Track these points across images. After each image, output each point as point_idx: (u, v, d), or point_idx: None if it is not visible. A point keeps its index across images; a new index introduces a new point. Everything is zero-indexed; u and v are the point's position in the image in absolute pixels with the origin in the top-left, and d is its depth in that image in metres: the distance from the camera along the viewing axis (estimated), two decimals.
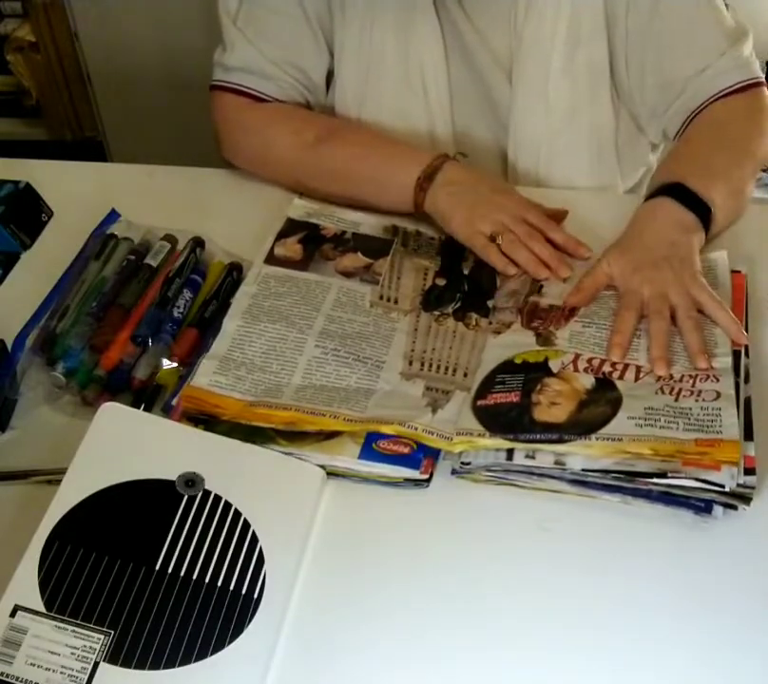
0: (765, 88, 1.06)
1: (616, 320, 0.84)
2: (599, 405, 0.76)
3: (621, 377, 0.79)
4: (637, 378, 0.79)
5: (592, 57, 1.04)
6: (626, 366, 0.80)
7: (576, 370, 0.79)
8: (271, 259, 0.92)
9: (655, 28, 1.02)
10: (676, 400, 0.76)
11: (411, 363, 0.83)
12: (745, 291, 0.89)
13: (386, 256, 0.94)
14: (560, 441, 0.73)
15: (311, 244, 0.95)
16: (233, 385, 0.80)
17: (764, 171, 1.88)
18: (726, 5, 1.04)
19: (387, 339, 0.85)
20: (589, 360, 0.80)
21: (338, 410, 0.77)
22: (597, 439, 0.72)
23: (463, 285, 0.92)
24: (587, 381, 0.78)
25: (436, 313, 0.88)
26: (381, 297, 0.90)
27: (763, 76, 1.07)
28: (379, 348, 0.84)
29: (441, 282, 0.91)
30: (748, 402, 0.77)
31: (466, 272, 0.93)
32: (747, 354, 0.81)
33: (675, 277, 0.85)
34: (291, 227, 0.97)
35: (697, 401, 0.76)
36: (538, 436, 0.73)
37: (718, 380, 0.77)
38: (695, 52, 1.02)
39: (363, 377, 0.81)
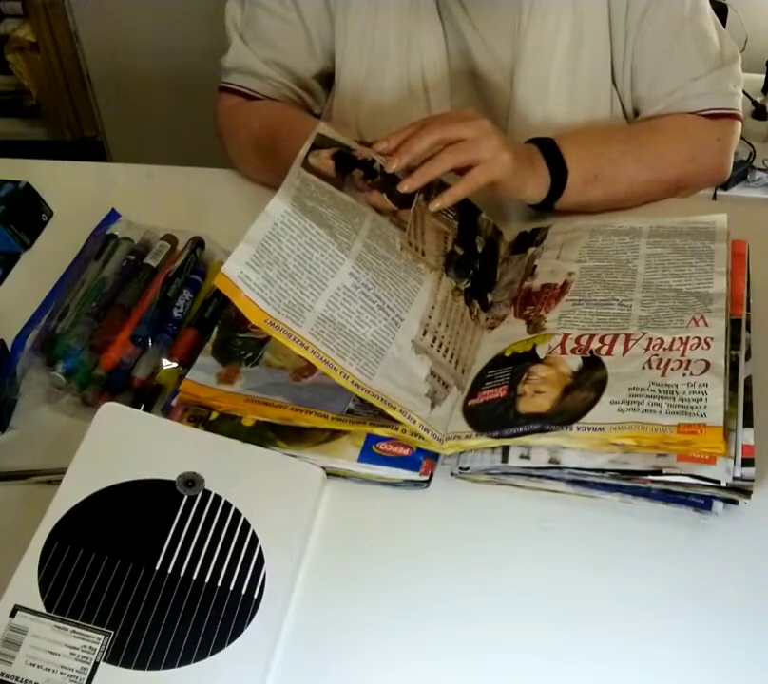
0: (737, 123, 1.04)
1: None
2: (583, 389, 0.74)
3: (609, 352, 0.77)
4: (625, 350, 0.77)
5: (594, 64, 1.04)
6: (615, 338, 0.78)
7: (563, 352, 0.78)
8: (307, 166, 0.84)
9: (638, 48, 1.02)
10: (663, 375, 0.74)
11: (425, 333, 0.82)
12: (747, 261, 0.85)
13: (408, 209, 0.90)
14: (542, 431, 0.72)
15: (343, 163, 0.88)
16: (260, 287, 0.74)
17: (764, 171, 1.88)
18: (722, 30, 1.03)
19: (411, 293, 0.83)
20: (578, 339, 0.79)
21: (349, 368, 0.75)
22: (579, 429, 0.71)
23: (476, 262, 0.91)
24: (574, 363, 0.77)
25: (455, 282, 0.88)
26: (410, 244, 0.87)
27: (740, 110, 1.04)
28: (404, 300, 0.82)
29: (459, 251, 0.90)
30: (749, 382, 0.74)
31: (479, 249, 0.92)
32: (749, 328, 0.79)
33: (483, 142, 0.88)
34: (322, 141, 0.89)
35: (684, 375, 0.73)
36: (521, 429, 0.73)
37: (709, 346, 0.74)
38: (666, 73, 1.02)
39: (380, 332, 0.79)
